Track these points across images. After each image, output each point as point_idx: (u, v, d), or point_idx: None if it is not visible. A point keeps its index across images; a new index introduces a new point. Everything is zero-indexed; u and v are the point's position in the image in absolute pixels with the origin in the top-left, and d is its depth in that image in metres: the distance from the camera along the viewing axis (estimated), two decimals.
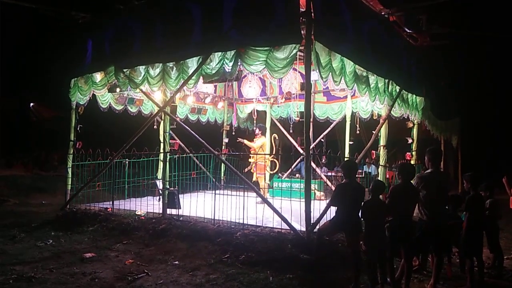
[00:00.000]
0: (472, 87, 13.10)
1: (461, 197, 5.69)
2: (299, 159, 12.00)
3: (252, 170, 9.83)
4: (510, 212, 7.50)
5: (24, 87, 18.02)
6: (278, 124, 12.18)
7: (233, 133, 12.59)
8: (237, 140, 10.52)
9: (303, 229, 6.24)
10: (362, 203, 5.07)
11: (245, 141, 10.26)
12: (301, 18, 6.11)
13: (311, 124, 9.78)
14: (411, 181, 5.03)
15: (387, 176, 9.04)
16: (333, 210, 5.33)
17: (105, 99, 9.53)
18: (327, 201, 8.17)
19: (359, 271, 4.99)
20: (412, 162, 9.62)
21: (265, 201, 7.03)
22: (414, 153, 9.88)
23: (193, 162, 10.35)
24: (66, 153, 9.50)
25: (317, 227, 6.15)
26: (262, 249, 6.00)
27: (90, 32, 8.92)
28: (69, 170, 9.31)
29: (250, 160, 9.98)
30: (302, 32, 6.08)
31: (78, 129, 9.31)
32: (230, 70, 6.69)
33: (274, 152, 10.37)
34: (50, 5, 9.07)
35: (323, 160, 12.09)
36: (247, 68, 6.53)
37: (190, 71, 7.24)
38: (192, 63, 7.25)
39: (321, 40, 6.12)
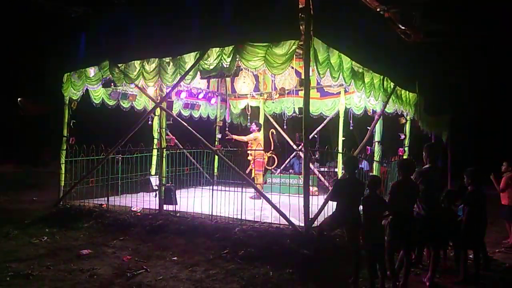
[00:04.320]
0: (463, 83, 13.29)
1: (457, 192, 5.80)
2: (292, 155, 12.11)
3: (250, 167, 9.84)
4: (500, 207, 7.70)
5: (13, 81, 17.70)
6: (272, 120, 12.22)
7: (226, 129, 12.56)
8: (226, 137, 10.28)
9: (301, 224, 6.30)
10: (362, 198, 5.13)
11: (234, 136, 10.07)
12: (300, 14, 6.12)
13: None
14: (411, 177, 5.11)
15: (381, 171, 9.15)
16: (330, 204, 5.38)
17: (98, 94, 9.43)
18: (321, 196, 8.27)
19: (359, 265, 5.06)
20: (405, 157, 9.75)
21: (264, 197, 7.06)
22: (406, 148, 10.03)
23: (186, 158, 10.31)
24: (57, 149, 9.38)
25: (316, 222, 6.22)
26: (261, 245, 6.03)
27: (84, 26, 8.78)
28: (63, 166, 9.19)
29: (249, 158, 9.95)
30: (301, 28, 6.09)
31: (71, 124, 9.19)
32: (228, 66, 6.67)
33: (272, 148, 10.34)
34: None
35: (316, 156, 12.17)
36: (246, 64, 6.51)
37: (187, 67, 7.20)
38: (190, 59, 7.21)
39: (320, 36, 6.15)
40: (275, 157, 10.44)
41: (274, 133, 10.69)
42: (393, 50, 8.59)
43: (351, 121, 10.66)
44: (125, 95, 9.95)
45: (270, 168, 10.58)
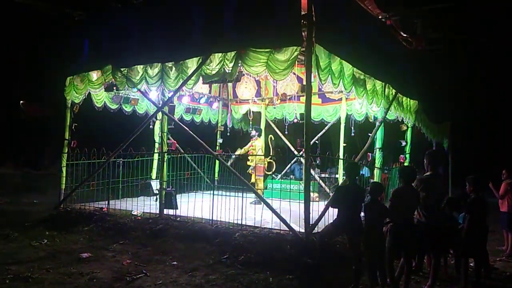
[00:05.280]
0: (464, 90, 13.31)
1: (458, 199, 5.79)
2: (293, 161, 12.11)
3: (250, 172, 9.84)
4: (500, 214, 7.69)
5: (15, 84, 17.76)
6: (273, 126, 12.23)
7: (228, 134, 12.60)
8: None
9: (301, 230, 6.28)
10: (363, 205, 5.13)
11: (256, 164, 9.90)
12: (302, 20, 6.14)
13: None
14: (412, 184, 5.11)
15: (382, 178, 9.15)
16: (331, 211, 5.37)
17: (100, 98, 9.45)
18: (321, 202, 8.27)
19: (359, 272, 5.05)
20: (406, 164, 9.75)
21: (265, 202, 7.05)
22: (407, 155, 10.02)
23: (187, 162, 10.32)
24: (57, 152, 9.39)
25: (316, 228, 6.20)
26: (261, 250, 6.02)
27: (87, 30, 8.84)
28: (64, 169, 9.19)
29: (249, 163, 9.95)
30: (303, 34, 6.12)
31: (73, 127, 9.21)
32: (230, 71, 6.69)
33: (271, 153, 10.36)
34: (46, 2, 8.94)
35: (317, 162, 12.17)
36: (248, 70, 6.54)
37: (190, 72, 7.23)
38: (192, 63, 7.25)
39: (322, 43, 6.17)
40: (273, 162, 10.45)
41: (273, 138, 10.73)
42: (395, 57, 8.62)
43: (352, 128, 10.67)
44: (127, 99, 9.97)
45: (268, 173, 10.59)
